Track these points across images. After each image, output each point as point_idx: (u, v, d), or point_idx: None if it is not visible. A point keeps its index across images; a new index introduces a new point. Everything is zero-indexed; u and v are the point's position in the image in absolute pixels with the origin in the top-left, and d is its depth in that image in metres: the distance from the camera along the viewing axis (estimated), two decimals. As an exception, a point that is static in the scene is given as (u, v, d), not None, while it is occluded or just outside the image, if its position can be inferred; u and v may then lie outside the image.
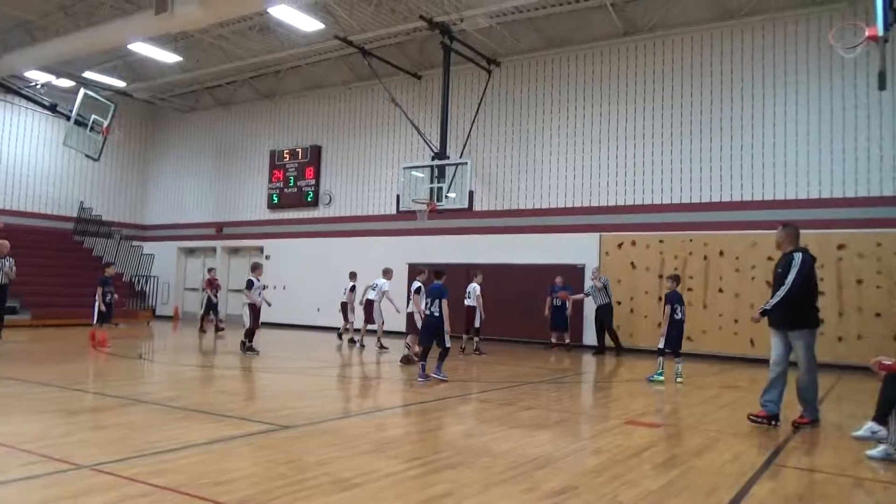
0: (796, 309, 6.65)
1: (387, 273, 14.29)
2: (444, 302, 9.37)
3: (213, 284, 17.84)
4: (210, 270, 18.64)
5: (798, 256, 6.66)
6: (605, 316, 14.71)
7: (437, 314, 9.36)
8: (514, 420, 6.89)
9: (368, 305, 14.28)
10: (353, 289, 15.50)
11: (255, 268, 12.84)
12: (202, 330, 17.53)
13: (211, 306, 17.70)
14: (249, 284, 12.53)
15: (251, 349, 12.21)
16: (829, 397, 9.26)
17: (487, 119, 18.09)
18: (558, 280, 15.30)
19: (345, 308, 15.61)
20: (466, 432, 6.13)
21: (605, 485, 4.45)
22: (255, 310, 12.56)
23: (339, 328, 16.26)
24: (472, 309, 13.67)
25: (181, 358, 12.51)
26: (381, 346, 13.87)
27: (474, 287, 13.68)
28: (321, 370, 11.10)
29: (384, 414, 7.21)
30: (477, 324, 13.71)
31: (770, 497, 4.37)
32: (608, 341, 14.78)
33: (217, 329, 17.28)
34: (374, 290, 14.25)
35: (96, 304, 12.91)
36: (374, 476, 4.43)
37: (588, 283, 15.23)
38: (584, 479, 4.57)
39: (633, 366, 12.78)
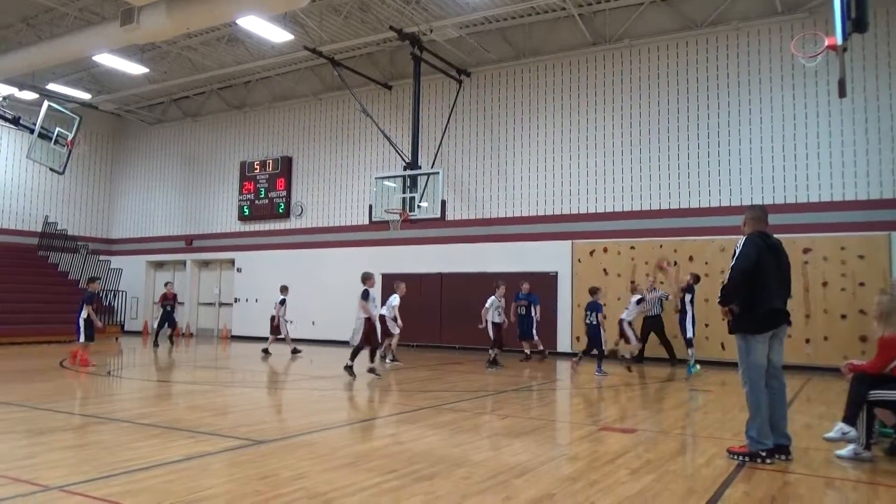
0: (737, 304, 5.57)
1: (398, 287, 13.68)
2: (600, 315, 11.94)
3: (168, 297, 17.72)
4: (167, 284, 18.51)
5: (742, 240, 5.61)
6: (655, 326, 14.08)
7: (595, 323, 11.81)
8: (491, 429, 6.89)
9: (381, 320, 13.93)
10: (283, 302, 15.57)
11: (368, 277, 11.40)
12: (156, 344, 17.35)
13: (168, 319, 17.56)
14: (366, 295, 11.07)
15: (373, 371, 11.04)
16: (799, 399, 9.42)
17: (459, 129, 18.16)
18: (524, 287, 14.89)
19: (273, 322, 15.70)
20: (442, 443, 6.11)
21: (581, 491, 4.47)
22: (370, 325, 11.10)
23: (279, 340, 16.07)
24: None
25: (151, 374, 12.29)
26: (394, 359, 13.55)
27: (490, 300, 13.46)
28: (295, 383, 10.99)
29: (359, 426, 7.16)
30: (491, 335, 13.44)
31: (744, 499, 4.42)
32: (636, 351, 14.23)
33: (172, 341, 17.52)
34: (385, 307, 13.79)
35: (82, 319, 12.10)
36: (350, 490, 4.39)
37: (642, 293, 14.27)
38: (562, 487, 4.58)
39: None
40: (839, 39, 7.10)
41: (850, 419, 5.60)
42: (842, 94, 7.39)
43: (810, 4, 14.01)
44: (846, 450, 5.55)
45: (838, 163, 13.77)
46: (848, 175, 13.66)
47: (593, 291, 12.39)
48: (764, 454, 5.34)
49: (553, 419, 8.00)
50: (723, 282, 5.64)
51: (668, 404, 9.12)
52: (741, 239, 5.65)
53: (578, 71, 16.66)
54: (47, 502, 4.03)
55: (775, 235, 5.87)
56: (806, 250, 13.73)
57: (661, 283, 14.68)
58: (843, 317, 13.33)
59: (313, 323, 19.41)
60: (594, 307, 12.21)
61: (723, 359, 13.81)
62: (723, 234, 14.29)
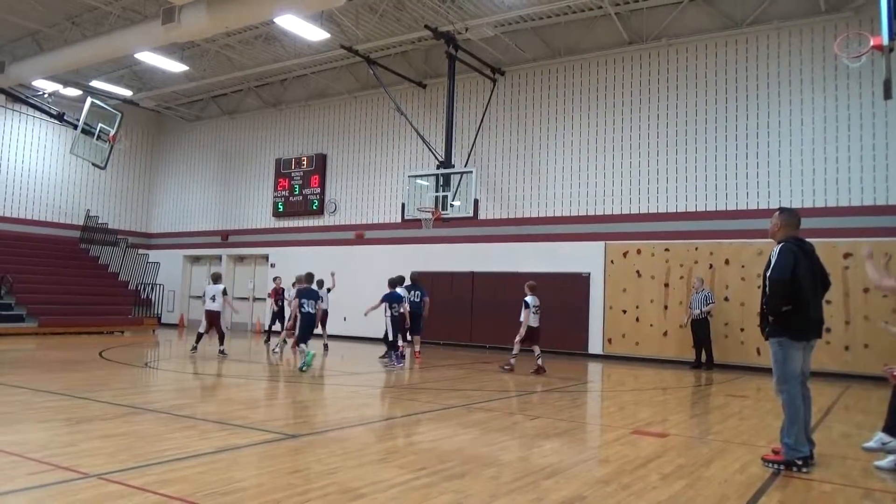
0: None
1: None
2: None
3: (277, 293, 16.50)
4: (275, 279, 16.85)
5: (777, 248, 5.47)
6: (698, 328, 13.91)
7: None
8: (521, 430, 6.88)
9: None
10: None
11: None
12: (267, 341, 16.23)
13: (277, 316, 16.37)
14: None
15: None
16: (836, 407, 9.21)
17: (492, 128, 18.13)
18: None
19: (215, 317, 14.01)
20: (473, 442, 6.12)
21: (612, 495, 4.44)
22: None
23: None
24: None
25: (187, 366, 12.52)
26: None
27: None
28: (327, 379, 11.09)
29: (391, 423, 7.21)
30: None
31: (779, 508, 4.35)
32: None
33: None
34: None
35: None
36: (381, 486, 4.42)
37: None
38: (592, 490, 4.55)
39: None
40: (885, 39, 6.94)
41: (891, 429, 5.47)
42: (887, 95, 7.20)
43: (855, 3, 13.66)
44: (886, 461, 5.42)
45: (882, 166, 13.41)
46: (892, 178, 13.29)
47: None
48: (800, 462, 5.25)
49: (584, 421, 7.94)
50: (763, 293, 5.53)
51: (701, 409, 9.00)
52: (776, 247, 5.50)
53: (614, 70, 16.50)
54: (87, 489, 4.14)
55: (815, 240, 5.75)
56: (846, 255, 13.40)
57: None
58: (886, 323, 12.96)
59: (345, 319, 19.55)
60: None
61: (759, 364, 13.55)
62: (761, 237, 14.00)
